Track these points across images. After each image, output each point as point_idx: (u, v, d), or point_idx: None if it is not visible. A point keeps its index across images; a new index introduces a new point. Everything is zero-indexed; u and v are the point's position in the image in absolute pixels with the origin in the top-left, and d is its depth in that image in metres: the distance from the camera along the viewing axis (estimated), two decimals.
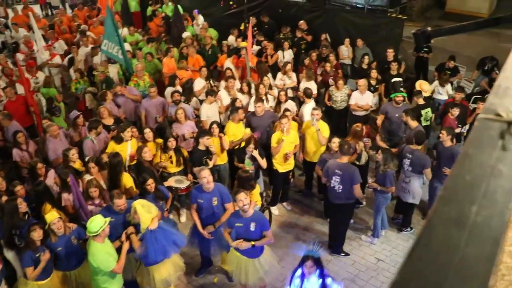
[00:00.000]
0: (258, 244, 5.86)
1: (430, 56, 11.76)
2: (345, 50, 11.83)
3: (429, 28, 3.15)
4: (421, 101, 8.95)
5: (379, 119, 8.78)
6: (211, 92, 8.87)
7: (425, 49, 11.32)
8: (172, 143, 7.53)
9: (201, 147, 7.48)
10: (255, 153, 7.41)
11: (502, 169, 0.74)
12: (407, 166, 7.23)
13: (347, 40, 11.77)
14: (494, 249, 0.62)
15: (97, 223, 5.33)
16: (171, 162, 7.58)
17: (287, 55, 11.46)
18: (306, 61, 10.82)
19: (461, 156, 0.78)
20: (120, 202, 5.85)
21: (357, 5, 12.75)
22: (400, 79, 9.80)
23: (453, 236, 0.65)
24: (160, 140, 7.84)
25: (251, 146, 7.35)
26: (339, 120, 9.92)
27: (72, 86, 10.90)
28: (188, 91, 9.62)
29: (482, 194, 0.70)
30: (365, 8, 12.54)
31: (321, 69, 10.73)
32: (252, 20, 13.32)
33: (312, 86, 9.60)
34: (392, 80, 9.87)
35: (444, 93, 10.03)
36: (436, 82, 10.22)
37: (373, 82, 9.93)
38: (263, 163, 7.61)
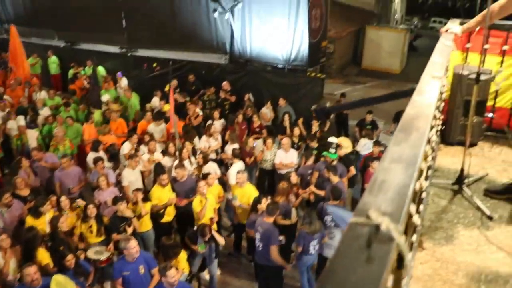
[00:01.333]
0: None
1: (349, 112, 12.31)
2: (267, 112, 12.05)
3: (327, 104, 3.32)
4: (343, 152, 9.22)
5: (313, 177, 8.84)
6: (133, 156, 8.67)
7: None
8: (91, 210, 7.19)
9: (119, 213, 7.23)
10: (214, 233, 7.21)
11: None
12: (329, 222, 7.24)
13: (268, 103, 12.07)
14: None
15: None
16: (91, 232, 7.20)
17: (218, 124, 11.30)
18: (236, 122, 10.95)
19: (324, 274, 0.76)
20: (31, 271, 5.42)
21: (278, 65, 13.22)
22: (335, 141, 9.92)
23: None
24: (81, 205, 7.48)
25: (207, 236, 7.06)
26: (269, 180, 9.96)
27: None
28: (115, 158, 9.36)
29: None
30: (286, 68, 13.01)
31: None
32: (173, 82, 13.38)
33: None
34: (328, 139, 10.02)
35: (371, 146, 10.33)
36: (365, 139, 10.48)
37: (295, 140, 10.13)
38: (221, 240, 7.39)
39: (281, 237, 7.02)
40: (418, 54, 27.71)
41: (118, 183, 8.83)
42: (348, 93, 15.81)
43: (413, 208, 1.29)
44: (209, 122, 11.03)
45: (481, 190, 3.88)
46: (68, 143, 10.21)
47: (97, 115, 11.72)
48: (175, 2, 14.64)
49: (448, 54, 3.00)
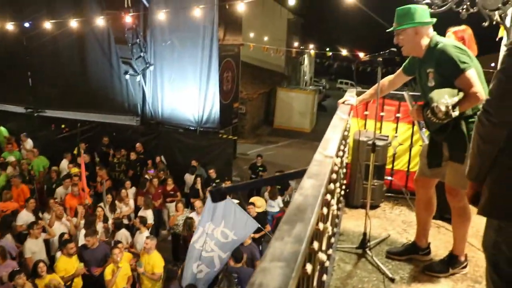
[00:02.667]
0: None
1: (264, 174, 12.45)
2: (191, 178, 11.87)
3: (223, 185, 3.39)
4: (254, 212, 9.24)
5: None
6: (33, 225, 8.10)
7: (259, 168, 12.08)
8: None
9: None
10: None
11: None
12: (235, 285, 7.12)
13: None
14: None
15: None
16: None
17: (130, 191, 10.91)
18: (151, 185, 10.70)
19: None
20: None
21: (190, 127, 13.28)
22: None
23: None
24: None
25: None
26: (182, 245, 9.69)
27: None
28: (5, 225, 8.69)
29: None
30: (198, 130, 13.10)
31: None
32: (82, 145, 12.97)
33: (148, 214, 9.39)
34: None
35: (276, 205, 10.49)
36: (266, 195, 10.68)
37: None
38: None
39: None
40: (327, 113, 29.21)
41: (20, 255, 8.20)
42: (261, 153, 16.10)
43: None
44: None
45: (384, 252, 4.02)
46: None
47: (1, 179, 10.98)
48: (85, 63, 14.44)
49: (343, 128, 3.16)
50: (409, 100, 3.93)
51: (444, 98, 2.92)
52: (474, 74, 3.04)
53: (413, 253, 3.88)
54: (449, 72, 3.09)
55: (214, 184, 9.73)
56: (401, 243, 4.16)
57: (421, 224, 3.83)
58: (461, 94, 3.00)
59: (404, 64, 3.70)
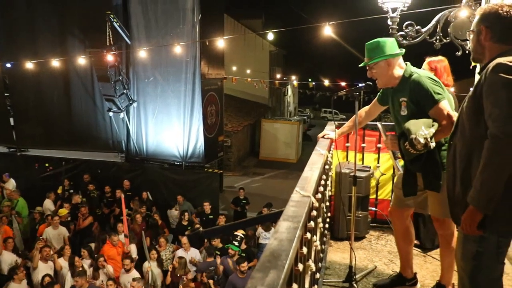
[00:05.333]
0: None
1: (248, 207, 12.39)
2: (175, 214, 11.84)
3: (200, 229, 3.35)
4: (244, 245, 9.17)
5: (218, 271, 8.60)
6: (15, 270, 7.91)
7: (243, 201, 12.01)
8: None
9: None
10: None
11: None
12: None
13: (176, 205, 11.89)
14: None
15: None
16: None
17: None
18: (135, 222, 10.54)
19: None
20: None
21: (175, 163, 13.24)
22: (239, 234, 9.77)
23: None
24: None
25: None
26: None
27: None
28: None
29: None
30: (183, 165, 13.06)
31: None
32: (66, 182, 12.83)
33: (132, 249, 9.23)
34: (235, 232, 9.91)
35: (269, 237, 10.35)
36: (260, 228, 10.59)
37: None
38: None
39: None
40: (313, 143, 29.28)
41: None
42: (248, 185, 16.10)
43: None
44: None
45: (371, 285, 3.99)
46: None
47: None
48: (68, 101, 14.46)
49: (323, 163, 3.17)
50: (382, 130, 3.97)
51: (422, 130, 2.94)
52: (448, 105, 3.11)
53: (400, 284, 3.85)
54: (423, 102, 3.15)
55: (196, 227, 9.79)
56: (388, 274, 4.13)
57: (403, 255, 3.81)
58: (436, 125, 3.04)
59: (378, 94, 3.75)
